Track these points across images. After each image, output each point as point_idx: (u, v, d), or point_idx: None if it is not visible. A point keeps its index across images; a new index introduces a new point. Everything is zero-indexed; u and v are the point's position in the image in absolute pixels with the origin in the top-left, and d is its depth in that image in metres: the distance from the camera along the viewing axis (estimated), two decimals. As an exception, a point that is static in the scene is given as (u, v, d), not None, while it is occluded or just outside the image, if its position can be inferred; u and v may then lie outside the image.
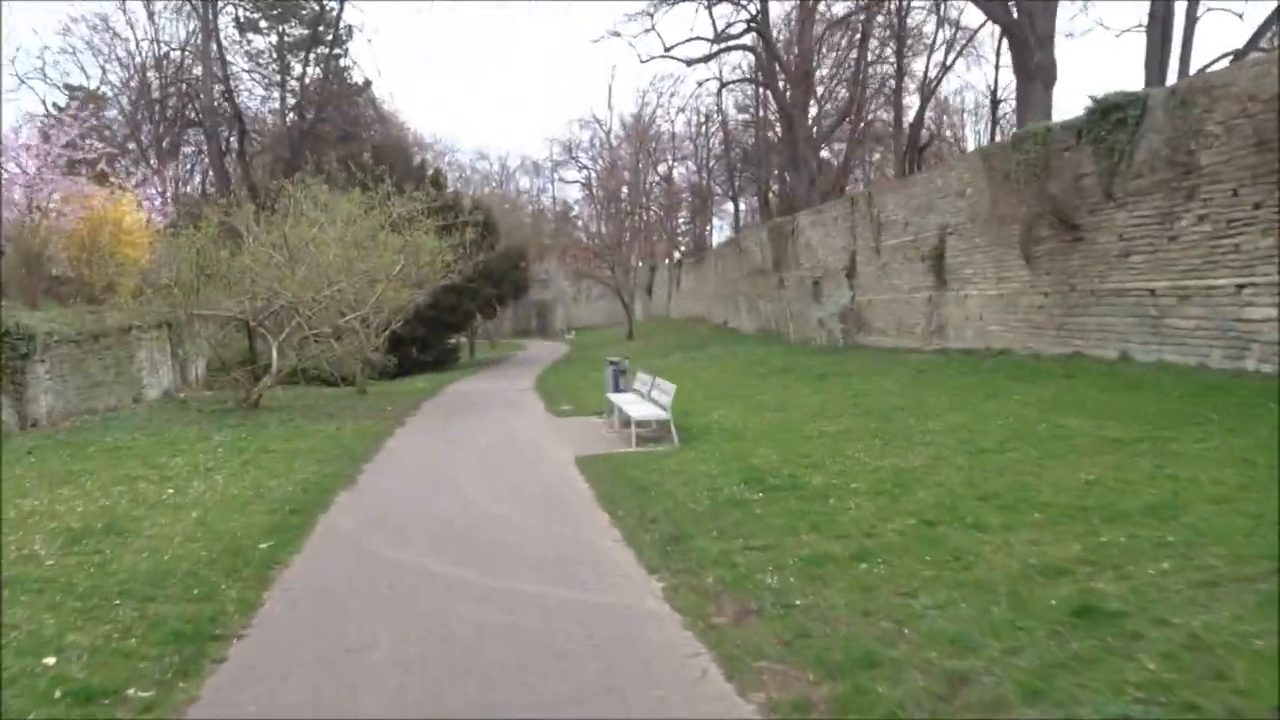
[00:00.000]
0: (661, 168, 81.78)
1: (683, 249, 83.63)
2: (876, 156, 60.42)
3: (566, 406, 20.04)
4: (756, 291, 38.30)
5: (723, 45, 42.51)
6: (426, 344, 40.32)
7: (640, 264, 72.36)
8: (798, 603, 5.81)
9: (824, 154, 56.47)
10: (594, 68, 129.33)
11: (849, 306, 28.25)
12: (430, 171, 42.35)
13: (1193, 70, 27.98)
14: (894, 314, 25.33)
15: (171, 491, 10.35)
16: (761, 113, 58.09)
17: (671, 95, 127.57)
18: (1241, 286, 13.19)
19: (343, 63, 49.09)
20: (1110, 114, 15.69)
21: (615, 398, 16.54)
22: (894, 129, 44.63)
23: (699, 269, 57.60)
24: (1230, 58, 27.10)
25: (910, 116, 45.38)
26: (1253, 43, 27.86)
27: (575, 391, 23.66)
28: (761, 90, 56.30)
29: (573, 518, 8.77)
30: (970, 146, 51.26)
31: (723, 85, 48.50)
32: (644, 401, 15.59)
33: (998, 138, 42.27)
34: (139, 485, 10.73)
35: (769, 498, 8.58)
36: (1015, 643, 4.88)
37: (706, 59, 43.78)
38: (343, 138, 41.29)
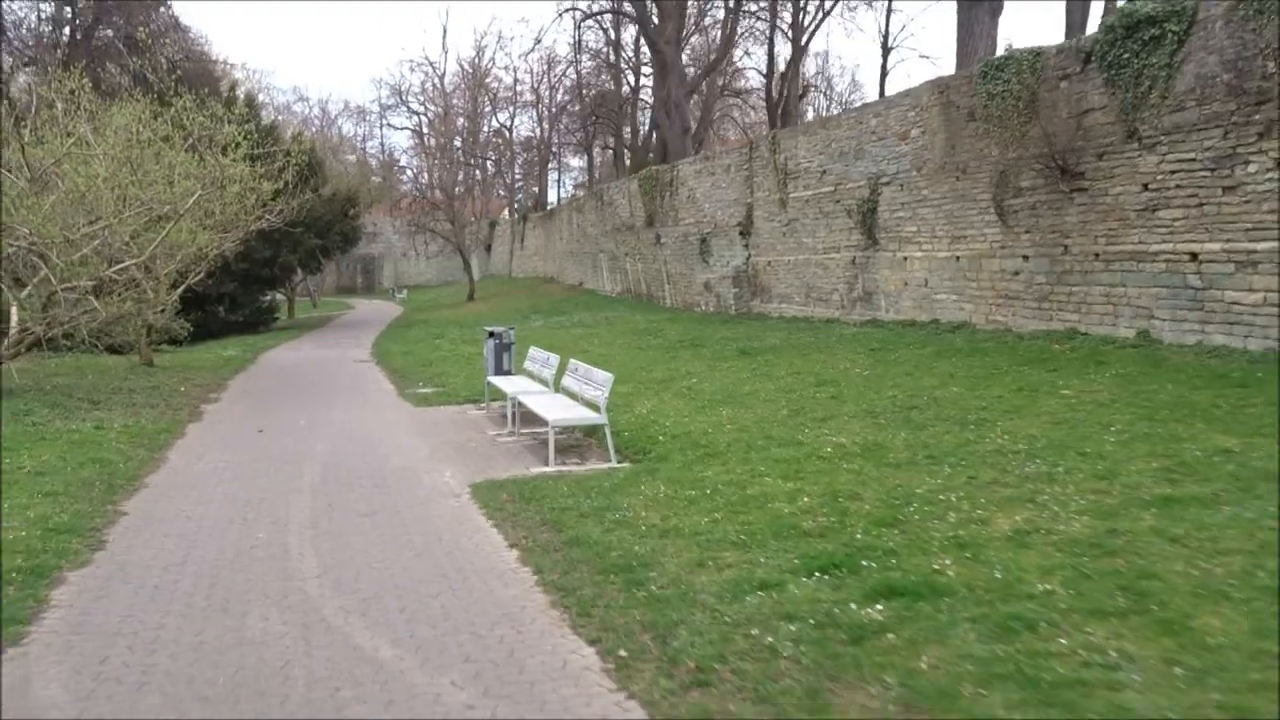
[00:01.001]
0: (503, 116, 76.64)
1: (518, 206, 78.84)
2: (736, 113, 57.38)
3: (425, 389, 15.48)
4: (623, 250, 34.29)
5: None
6: (237, 302, 34.33)
7: (475, 220, 66.84)
8: None
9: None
10: (426, 6, 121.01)
11: (743, 268, 24.67)
12: (241, 95, 36.09)
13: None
14: (802, 278, 21.90)
15: None
16: (617, 56, 53.87)
17: (512, 39, 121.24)
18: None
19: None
20: (1138, 31, 12.44)
21: (504, 384, 12.19)
22: (766, 79, 41.36)
23: (547, 225, 53.09)
24: None
25: (782, 67, 42.26)
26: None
27: (428, 366, 19.01)
28: (620, 31, 52.08)
29: (531, 672, 4.47)
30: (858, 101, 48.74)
31: (586, 16, 43.76)
32: (552, 394, 11.35)
33: (888, 91, 39.58)
34: None
35: (904, 615, 4.60)
36: None
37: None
38: (130, 48, 34.23)
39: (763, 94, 54.78)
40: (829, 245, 20.54)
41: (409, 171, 77.44)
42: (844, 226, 19.90)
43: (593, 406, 9.70)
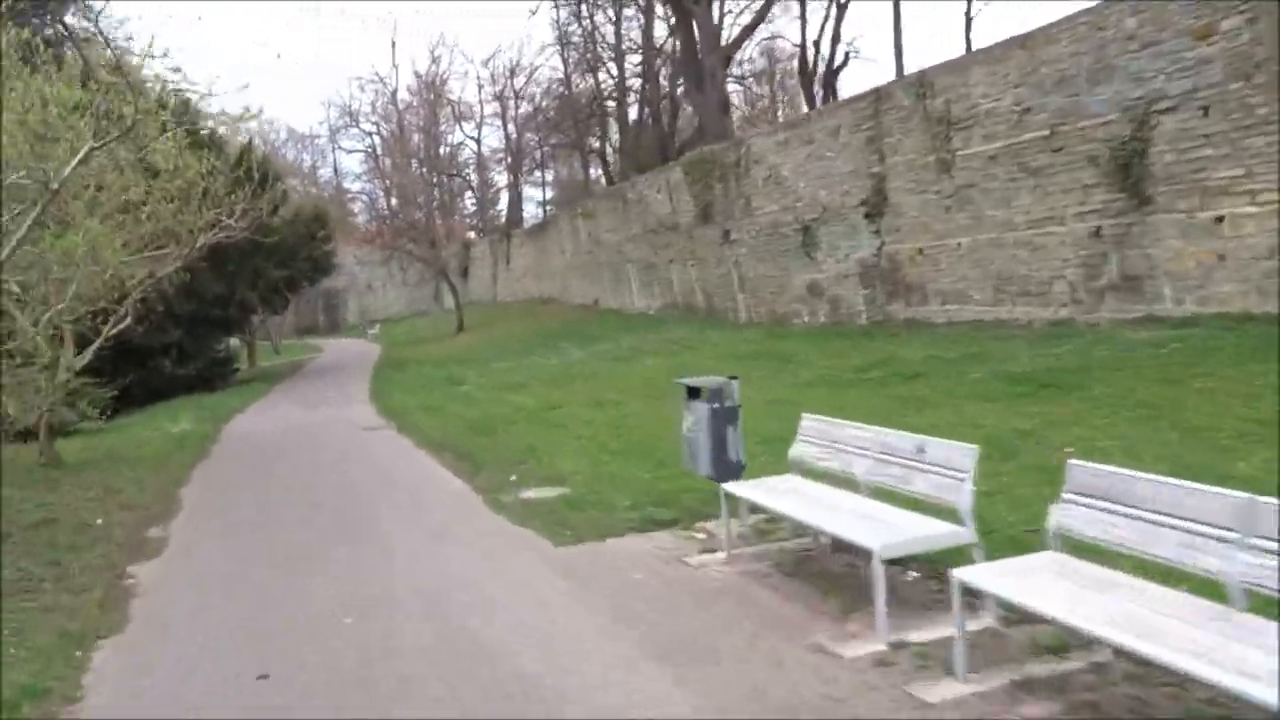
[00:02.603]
0: (466, 129, 70.63)
1: (482, 226, 72.41)
2: (736, 98, 51.29)
3: (532, 490, 8.86)
4: (665, 256, 27.84)
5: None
6: (185, 353, 27.34)
7: (446, 242, 59.87)
8: None
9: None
10: (368, 27, 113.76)
11: (873, 262, 18.36)
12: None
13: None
14: (986, 266, 15.64)
15: None
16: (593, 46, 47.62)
17: (468, 60, 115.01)
18: None
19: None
20: None
21: (790, 506, 5.66)
22: (799, 47, 35.23)
23: (539, 240, 46.52)
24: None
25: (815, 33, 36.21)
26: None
27: (488, 434, 12.37)
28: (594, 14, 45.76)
29: None
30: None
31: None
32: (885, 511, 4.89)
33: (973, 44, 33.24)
34: None
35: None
36: None
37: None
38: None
39: (773, 76, 48.96)
40: (1044, 215, 14.28)
41: (363, 198, 70.63)
42: (1074, 185, 13.65)
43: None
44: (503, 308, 49.48)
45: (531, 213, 67.09)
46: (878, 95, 18.21)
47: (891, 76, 26.03)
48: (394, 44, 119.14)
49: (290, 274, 28.51)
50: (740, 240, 22.92)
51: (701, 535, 6.63)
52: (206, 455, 13.45)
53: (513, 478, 9.41)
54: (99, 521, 8.80)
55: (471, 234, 69.84)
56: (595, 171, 62.27)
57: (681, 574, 5.87)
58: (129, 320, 13.54)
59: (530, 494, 8.64)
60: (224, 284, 26.98)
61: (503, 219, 70.89)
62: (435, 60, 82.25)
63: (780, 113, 47.57)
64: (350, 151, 75.09)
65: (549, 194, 68.88)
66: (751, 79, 47.66)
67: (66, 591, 6.50)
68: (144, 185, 10.52)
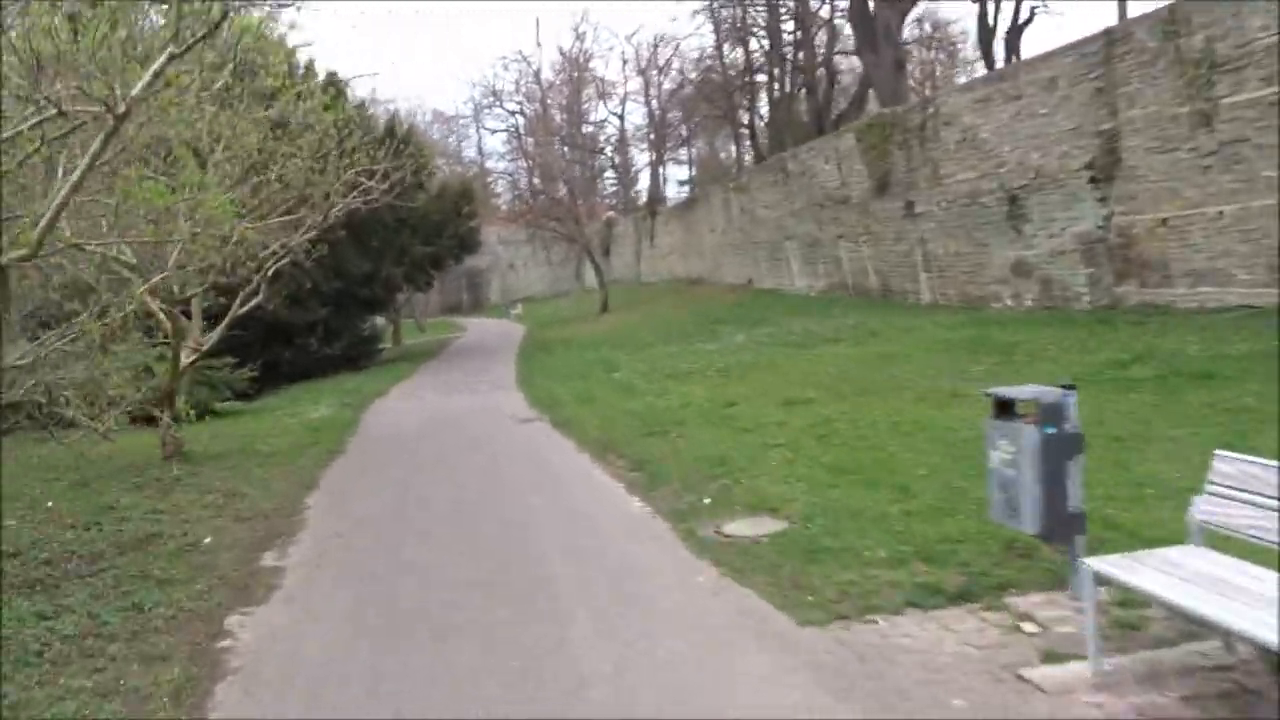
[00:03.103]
0: (610, 106, 69.37)
1: (619, 206, 71.03)
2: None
3: (740, 524, 6.79)
4: (833, 232, 25.34)
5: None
6: (331, 332, 26.57)
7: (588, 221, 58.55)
8: None
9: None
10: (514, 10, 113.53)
11: (1099, 235, 15.52)
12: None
13: None
14: (1254, 238, 12.72)
15: None
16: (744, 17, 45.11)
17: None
18: None
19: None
20: None
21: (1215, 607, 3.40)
22: (978, 1, 31.84)
23: (686, 216, 44.49)
24: None
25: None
26: None
27: (659, 435, 10.38)
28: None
29: None
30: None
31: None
32: None
33: None
34: None
35: None
36: None
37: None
38: None
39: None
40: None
41: (506, 177, 69.94)
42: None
43: None
44: (647, 288, 47.77)
45: (672, 192, 65.28)
46: (1109, 37, 15.30)
47: (1072, 34, 22.71)
48: (538, 22, 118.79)
49: (435, 251, 27.36)
50: (927, 213, 20.25)
51: (1030, 628, 4.41)
52: (342, 451, 11.95)
53: (706, 500, 7.39)
54: (207, 541, 7.23)
55: (612, 213, 68.39)
56: (729, 150, 59.85)
57: (1035, 708, 3.68)
58: (262, 296, 12.18)
59: (735, 528, 6.59)
60: (369, 261, 26.02)
61: (642, 199, 69.17)
62: (579, 37, 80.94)
63: (961, 76, 44.06)
64: (494, 131, 74.39)
65: (690, 172, 66.95)
66: (915, 43, 44.20)
67: (138, 659, 4.82)
68: (267, 139, 8.97)
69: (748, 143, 50.69)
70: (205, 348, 11.56)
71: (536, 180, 56.45)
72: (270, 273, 11.53)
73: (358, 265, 25.63)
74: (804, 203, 27.02)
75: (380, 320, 36.91)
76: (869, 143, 22.53)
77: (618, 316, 36.23)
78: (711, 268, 38.96)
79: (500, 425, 13.00)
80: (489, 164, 72.14)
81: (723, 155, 73.74)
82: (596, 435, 10.93)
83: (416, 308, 51.07)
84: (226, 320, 11.69)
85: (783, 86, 48.10)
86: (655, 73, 67.64)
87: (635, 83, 65.84)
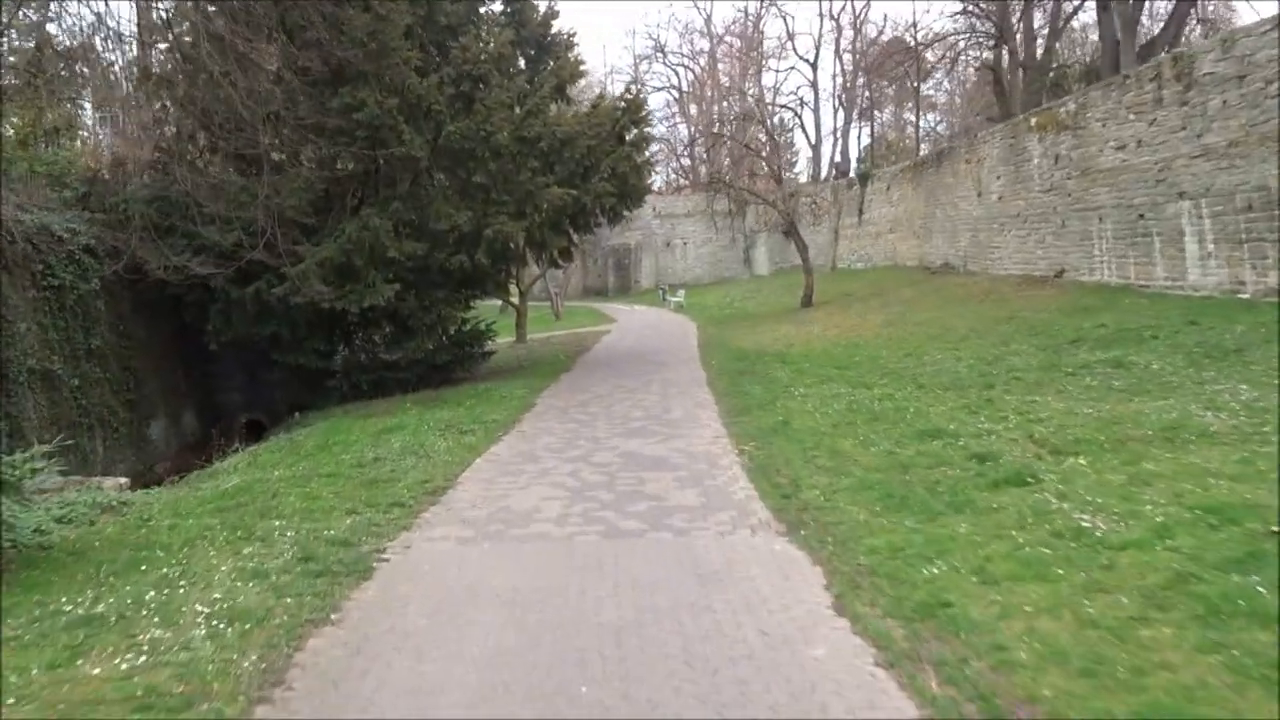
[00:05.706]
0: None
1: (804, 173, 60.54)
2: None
3: None
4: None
5: None
6: (403, 324, 16.30)
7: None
8: None
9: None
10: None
11: None
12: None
13: None
14: None
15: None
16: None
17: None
18: None
19: None
20: None
21: None
22: None
23: (919, 179, 32.64)
24: None
25: None
26: None
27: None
28: None
29: None
30: None
31: None
32: None
33: None
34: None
35: None
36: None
37: None
38: None
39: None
40: None
41: (663, 145, 59.31)
42: None
43: None
44: (854, 276, 36.16)
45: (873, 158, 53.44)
46: None
47: None
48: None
49: (580, 197, 16.49)
50: None
51: None
52: None
53: None
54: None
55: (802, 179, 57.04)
56: (905, 127, 47.69)
57: None
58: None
59: None
60: (469, 210, 15.50)
61: (822, 172, 57.45)
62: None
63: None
64: (657, 89, 63.40)
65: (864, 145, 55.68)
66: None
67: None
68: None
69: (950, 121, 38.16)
70: None
71: (723, 126, 45.62)
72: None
73: (449, 216, 15.15)
74: (1238, 128, 15.00)
75: (497, 301, 26.78)
76: None
77: (834, 316, 24.90)
78: (971, 251, 27.05)
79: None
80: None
81: (897, 132, 62.00)
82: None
83: (552, 288, 40.79)
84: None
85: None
86: (850, 26, 56.65)
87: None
